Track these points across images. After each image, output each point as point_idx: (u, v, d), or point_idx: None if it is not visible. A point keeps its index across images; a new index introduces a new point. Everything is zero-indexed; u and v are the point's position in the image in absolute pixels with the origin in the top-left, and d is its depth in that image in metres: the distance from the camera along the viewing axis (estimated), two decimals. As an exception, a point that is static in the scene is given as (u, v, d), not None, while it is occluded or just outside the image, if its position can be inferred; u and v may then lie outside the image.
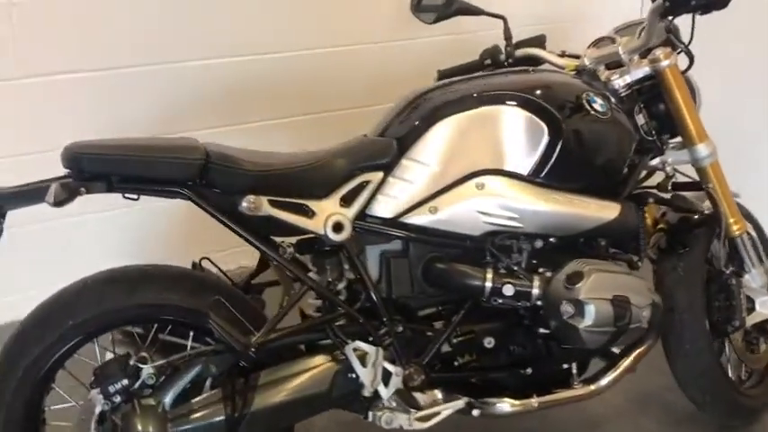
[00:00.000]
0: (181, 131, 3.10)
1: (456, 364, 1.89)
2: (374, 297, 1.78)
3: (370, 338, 1.77)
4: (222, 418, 1.66)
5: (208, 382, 1.70)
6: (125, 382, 1.65)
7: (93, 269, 1.72)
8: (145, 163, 1.61)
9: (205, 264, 1.97)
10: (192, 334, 1.76)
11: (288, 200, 1.72)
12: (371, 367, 1.73)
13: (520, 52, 2.17)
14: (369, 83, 3.38)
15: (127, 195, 1.67)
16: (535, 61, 2.17)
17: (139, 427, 1.62)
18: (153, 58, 2.97)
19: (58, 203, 1.53)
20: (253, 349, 1.62)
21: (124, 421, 1.63)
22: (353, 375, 1.75)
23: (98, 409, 1.67)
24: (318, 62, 3.31)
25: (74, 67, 2.84)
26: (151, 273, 1.72)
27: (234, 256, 3.52)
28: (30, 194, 1.58)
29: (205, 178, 1.65)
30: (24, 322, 1.65)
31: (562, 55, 2.18)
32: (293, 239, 1.83)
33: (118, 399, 1.65)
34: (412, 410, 1.78)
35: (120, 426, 1.63)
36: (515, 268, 1.80)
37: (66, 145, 1.64)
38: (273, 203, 1.70)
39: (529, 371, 1.93)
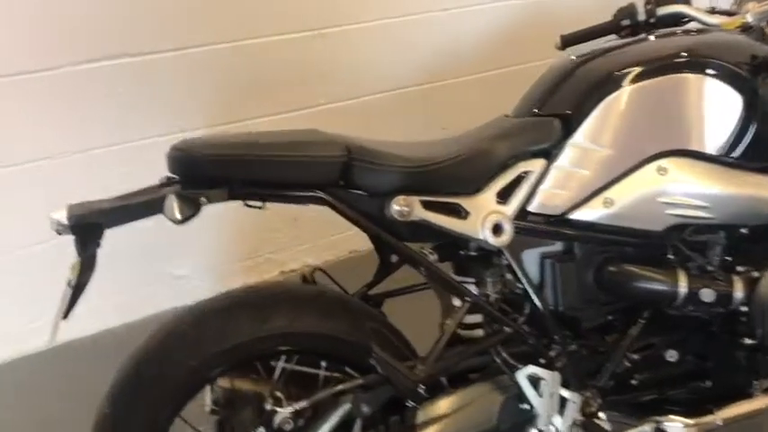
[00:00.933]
0: (234, 121, 2.82)
1: (632, 383, 1.59)
2: (542, 310, 1.48)
3: (541, 360, 1.48)
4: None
5: (357, 425, 1.41)
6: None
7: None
8: (277, 164, 1.30)
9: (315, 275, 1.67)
10: (323, 363, 1.46)
11: (439, 199, 1.41)
12: (548, 395, 1.44)
13: (662, 10, 1.85)
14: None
15: (250, 203, 1.36)
16: (680, 20, 1.85)
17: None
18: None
19: (185, 219, 1.23)
20: (422, 386, 1.32)
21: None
22: (525, 406, 1.46)
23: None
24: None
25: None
26: (279, 295, 1.42)
27: (294, 254, 3.27)
28: (138, 209, 1.27)
29: (347, 178, 1.34)
30: (128, 368, 1.34)
31: (712, 12, 1.86)
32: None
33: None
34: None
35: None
36: (709, 268, 1.50)
37: (173, 145, 1.33)
38: (425, 205, 1.39)
39: (708, 383, 1.64)
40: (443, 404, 1.43)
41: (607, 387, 1.55)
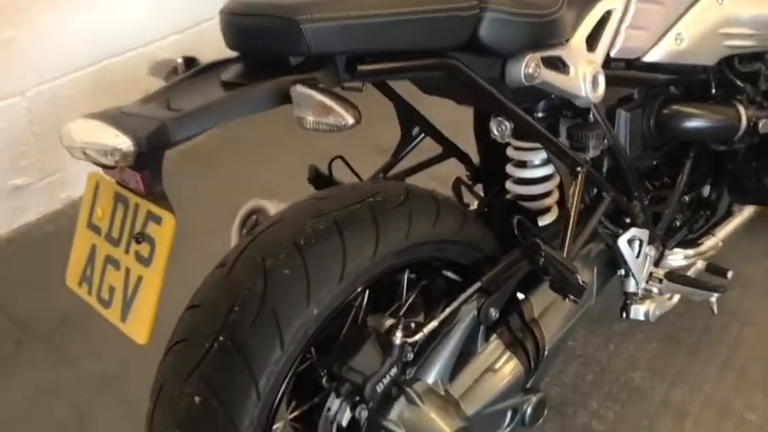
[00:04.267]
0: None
1: (677, 224, 1.57)
2: (625, 167, 1.35)
3: (627, 220, 1.37)
4: (520, 369, 1.20)
5: (480, 333, 1.19)
6: (395, 369, 1.08)
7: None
8: (404, 25, 0.94)
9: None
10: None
11: (549, 54, 1.16)
12: (643, 255, 1.35)
13: None
14: None
15: (348, 85, 0.99)
16: None
17: (430, 424, 1.09)
18: None
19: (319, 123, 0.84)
20: (583, 281, 1.13)
21: (406, 424, 1.09)
22: (618, 272, 1.36)
23: (346, 419, 1.10)
24: None
25: None
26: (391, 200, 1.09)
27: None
28: (241, 108, 0.85)
29: (474, 37, 1.02)
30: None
31: None
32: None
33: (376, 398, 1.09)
34: (669, 292, 1.46)
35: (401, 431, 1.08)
36: (759, 99, 1.47)
37: (235, 8, 0.89)
38: (544, 62, 1.13)
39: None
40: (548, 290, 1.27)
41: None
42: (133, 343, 0.90)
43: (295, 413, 1.15)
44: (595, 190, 1.34)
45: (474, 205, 1.52)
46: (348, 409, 1.09)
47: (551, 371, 1.74)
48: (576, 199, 1.19)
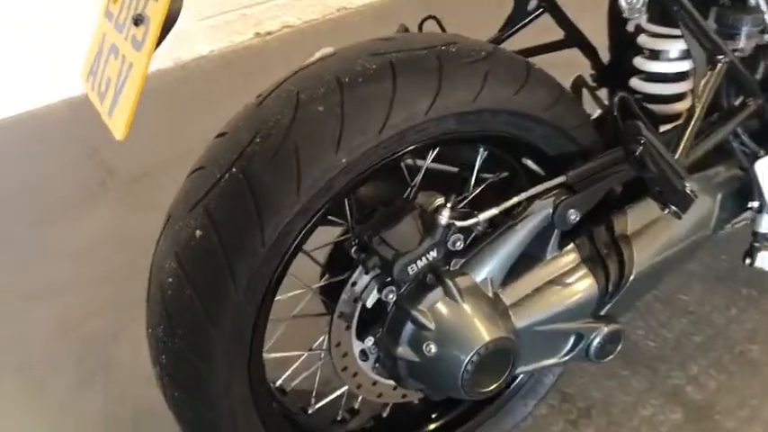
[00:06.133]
0: None
1: None
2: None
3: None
4: (594, 290, 0.99)
5: (553, 238, 0.99)
6: (435, 253, 0.91)
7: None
8: None
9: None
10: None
11: None
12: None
13: None
14: None
15: None
16: None
17: (465, 323, 0.92)
18: None
19: None
20: (693, 190, 0.89)
21: (436, 317, 0.92)
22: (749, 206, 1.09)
23: (371, 301, 0.95)
24: None
25: None
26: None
27: (271, 11, 2.60)
28: None
29: None
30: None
31: None
32: None
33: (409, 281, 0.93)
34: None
35: (429, 324, 0.92)
36: None
37: None
38: None
39: None
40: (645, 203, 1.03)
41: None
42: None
43: (321, 283, 1.02)
44: (740, 98, 1.06)
45: (595, 114, 1.29)
46: (375, 290, 0.94)
47: (652, 322, 1.50)
48: (706, 93, 0.93)
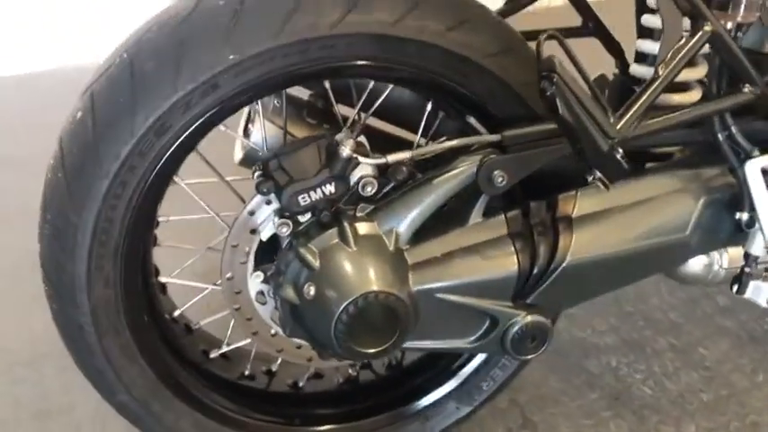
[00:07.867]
0: None
1: None
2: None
3: None
4: (513, 272, 0.87)
5: (479, 203, 0.88)
6: (332, 188, 0.83)
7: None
8: None
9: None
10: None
11: None
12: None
13: None
14: None
15: None
16: None
17: (351, 269, 0.83)
18: None
19: None
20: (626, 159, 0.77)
21: (323, 258, 0.83)
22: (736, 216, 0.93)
23: (266, 233, 0.88)
24: None
25: None
26: None
27: None
28: None
29: None
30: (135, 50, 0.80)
31: None
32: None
33: (306, 218, 0.86)
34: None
35: (314, 264, 0.83)
36: None
37: None
38: None
39: None
40: (627, 190, 0.90)
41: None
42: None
43: (230, 213, 0.96)
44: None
45: None
46: (271, 222, 0.87)
47: (656, 368, 1.32)
48: (675, 61, 0.80)
